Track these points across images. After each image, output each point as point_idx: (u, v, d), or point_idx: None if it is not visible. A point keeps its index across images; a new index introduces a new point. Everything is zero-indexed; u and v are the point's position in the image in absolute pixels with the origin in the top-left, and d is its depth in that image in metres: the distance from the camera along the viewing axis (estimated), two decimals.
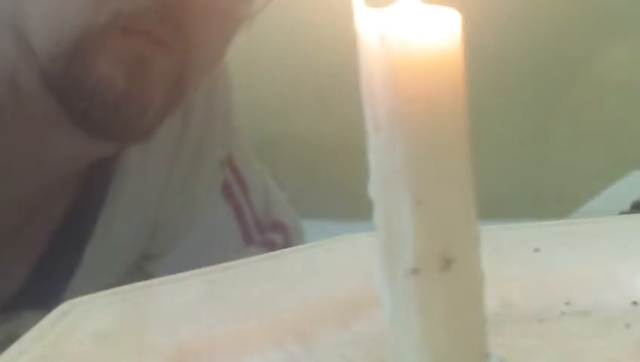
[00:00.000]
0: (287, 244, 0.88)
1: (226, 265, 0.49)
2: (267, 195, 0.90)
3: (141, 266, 0.86)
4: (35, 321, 0.76)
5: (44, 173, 0.77)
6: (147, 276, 0.63)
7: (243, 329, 0.43)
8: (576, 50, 1.89)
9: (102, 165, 0.80)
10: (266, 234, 0.88)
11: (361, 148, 0.32)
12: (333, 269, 0.48)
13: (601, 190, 1.18)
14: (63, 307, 0.45)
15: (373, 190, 0.32)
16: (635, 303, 0.44)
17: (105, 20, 0.69)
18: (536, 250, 0.48)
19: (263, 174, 0.92)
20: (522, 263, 0.47)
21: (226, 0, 0.73)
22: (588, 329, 0.42)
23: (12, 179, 0.75)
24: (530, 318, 0.43)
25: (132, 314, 0.45)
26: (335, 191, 1.99)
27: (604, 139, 1.88)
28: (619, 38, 1.86)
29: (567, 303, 0.44)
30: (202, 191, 0.86)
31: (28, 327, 0.76)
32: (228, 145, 0.87)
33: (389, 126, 0.31)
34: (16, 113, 0.74)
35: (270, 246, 0.86)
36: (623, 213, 0.88)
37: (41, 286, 0.79)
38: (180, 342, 0.42)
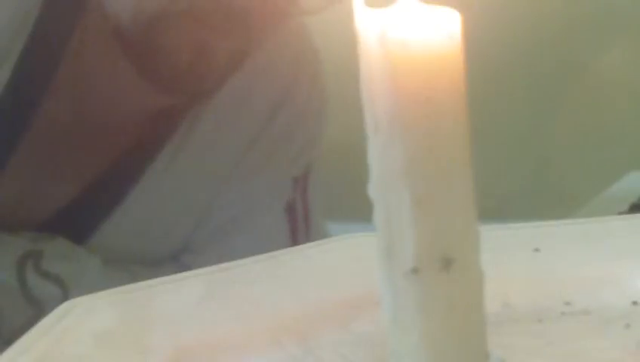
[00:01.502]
0: None
1: (226, 265, 0.49)
2: (324, 228, 0.90)
3: (179, 258, 0.85)
4: (62, 247, 0.78)
5: (119, 115, 0.80)
6: (182, 269, 0.65)
7: (243, 329, 0.43)
8: (576, 51, 1.89)
9: (171, 113, 0.82)
10: None
11: (361, 148, 0.32)
12: (333, 269, 0.48)
13: (601, 190, 1.18)
14: (64, 307, 0.45)
15: (373, 190, 0.32)
16: (635, 303, 0.44)
17: (180, 8, 0.73)
18: (536, 250, 0.48)
19: (325, 222, 0.92)
20: (522, 263, 0.47)
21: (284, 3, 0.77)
22: (588, 329, 0.42)
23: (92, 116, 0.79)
24: (530, 318, 0.43)
25: (132, 314, 0.45)
26: (335, 191, 1.99)
27: (604, 139, 1.88)
28: (619, 38, 1.85)
29: (567, 303, 0.44)
30: (266, 198, 0.86)
31: (54, 249, 0.78)
32: (307, 165, 0.87)
33: (389, 126, 0.31)
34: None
35: None
36: (621, 213, 0.87)
37: (77, 218, 0.81)
38: (180, 342, 0.42)
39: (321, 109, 0.91)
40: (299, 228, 0.86)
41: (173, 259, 0.85)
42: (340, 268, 0.48)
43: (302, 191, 0.87)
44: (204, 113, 0.83)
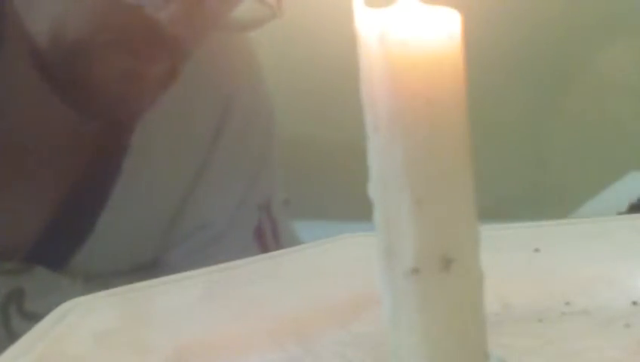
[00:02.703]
0: None
1: (225, 265, 0.49)
2: (296, 238, 0.90)
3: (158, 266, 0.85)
4: (42, 280, 0.77)
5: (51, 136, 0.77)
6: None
7: (243, 329, 0.43)
8: (576, 51, 1.89)
9: (119, 133, 0.80)
10: None
11: (361, 148, 0.32)
12: (333, 269, 0.48)
13: (601, 190, 1.18)
14: (64, 307, 0.45)
15: (373, 190, 0.32)
16: (635, 303, 0.44)
17: (107, 39, 0.69)
18: (536, 250, 0.48)
19: (292, 224, 0.92)
20: (522, 263, 0.47)
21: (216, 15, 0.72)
22: (588, 329, 0.42)
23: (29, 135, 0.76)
24: (530, 318, 0.43)
25: (132, 314, 0.45)
26: (335, 191, 1.99)
27: (604, 139, 1.88)
28: (619, 38, 1.85)
29: (567, 303, 0.44)
30: (232, 228, 0.85)
31: (35, 284, 0.77)
32: (269, 191, 0.86)
33: (389, 126, 0.31)
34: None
35: None
36: (621, 213, 0.88)
37: (52, 246, 0.79)
38: (180, 342, 0.42)
39: (269, 126, 0.88)
40: (271, 248, 0.86)
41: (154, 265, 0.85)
42: (340, 268, 0.48)
43: (268, 215, 0.87)
44: (148, 139, 0.81)
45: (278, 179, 0.90)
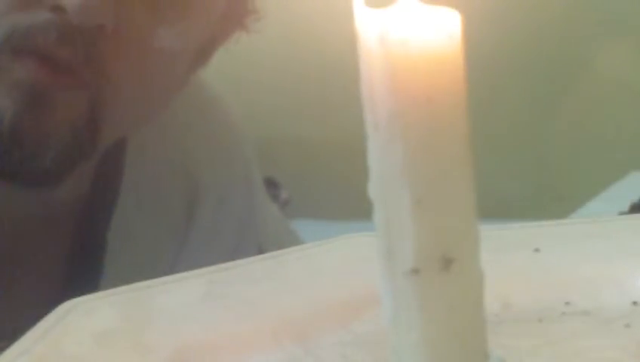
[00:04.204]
0: None
1: (226, 265, 0.49)
2: None
3: None
4: None
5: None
6: None
7: (243, 329, 0.43)
8: (576, 50, 1.89)
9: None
10: None
11: (361, 148, 0.32)
12: (333, 269, 0.48)
13: (601, 190, 1.18)
14: (64, 307, 0.45)
15: (373, 190, 0.32)
16: (635, 303, 0.44)
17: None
18: (536, 250, 0.48)
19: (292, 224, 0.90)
20: (522, 263, 0.47)
21: (144, 28, 0.65)
22: (588, 329, 0.42)
23: None
24: (530, 318, 0.43)
25: (132, 314, 0.45)
26: (335, 191, 1.99)
27: (604, 139, 1.88)
28: (619, 38, 1.85)
29: (567, 303, 0.44)
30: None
31: None
32: (254, 247, 0.82)
33: (389, 126, 0.31)
34: None
35: None
36: (622, 213, 0.88)
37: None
38: (180, 342, 0.42)
39: (248, 193, 0.82)
40: None
41: None
42: (340, 268, 0.48)
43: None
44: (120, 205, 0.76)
45: (272, 222, 0.86)
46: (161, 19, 0.65)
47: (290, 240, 0.87)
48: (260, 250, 0.82)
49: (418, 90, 0.30)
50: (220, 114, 0.83)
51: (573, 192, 1.47)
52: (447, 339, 0.32)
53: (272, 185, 1.19)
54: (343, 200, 1.69)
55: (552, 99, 1.91)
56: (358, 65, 0.31)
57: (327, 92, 1.93)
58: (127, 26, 0.63)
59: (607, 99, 1.87)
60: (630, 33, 1.86)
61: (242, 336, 0.42)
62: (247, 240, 0.82)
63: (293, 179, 1.83)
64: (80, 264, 0.74)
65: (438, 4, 0.31)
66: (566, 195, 1.74)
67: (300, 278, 0.48)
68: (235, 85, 0.89)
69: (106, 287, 0.75)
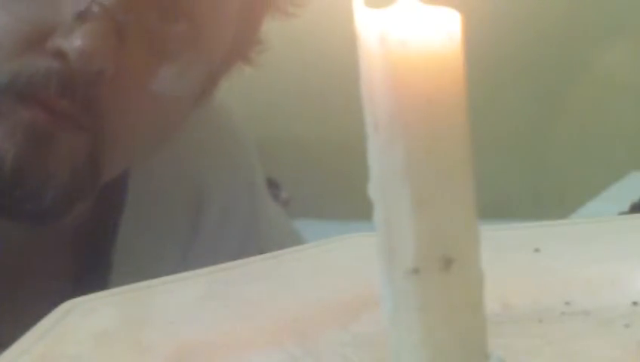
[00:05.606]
0: None
1: (226, 265, 0.49)
2: None
3: None
4: None
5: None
6: None
7: (243, 329, 0.43)
8: (576, 50, 1.89)
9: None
10: None
11: (361, 148, 0.32)
12: (333, 269, 0.48)
13: (601, 191, 1.18)
14: (64, 307, 0.45)
15: (373, 190, 0.32)
16: (635, 303, 0.44)
17: None
18: (537, 250, 0.48)
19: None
20: (522, 263, 0.47)
21: (145, 71, 0.65)
22: (588, 329, 0.42)
23: None
24: (530, 318, 0.43)
25: (132, 314, 0.45)
26: (335, 191, 1.99)
27: (604, 139, 1.88)
28: (619, 38, 1.86)
29: (567, 303, 0.44)
30: None
31: None
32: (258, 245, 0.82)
33: (389, 126, 0.31)
34: None
35: None
36: (622, 213, 0.88)
37: None
38: (180, 342, 0.42)
39: (252, 199, 0.82)
40: None
41: None
42: (340, 268, 0.48)
43: None
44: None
45: (275, 227, 0.85)
46: (163, 60, 0.66)
47: (293, 243, 0.87)
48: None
49: (418, 90, 0.30)
50: (223, 121, 0.83)
51: (573, 192, 1.47)
52: (447, 339, 0.32)
53: (272, 185, 1.18)
54: (343, 200, 1.69)
55: (552, 100, 1.91)
56: (358, 65, 0.31)
57: (327, 92, 1.93)
58: (128, 69, 0.64)
59: (607, 99, 1.87)
60: (630, 33, 1.86)
61: (242, 336, 0.42)
62: (251, 249, 0.81)
63: (293, 179, 1.83)
64: (85, 282, 0.74)
65: (438, 4, 0.31)
66: (566, 195, 1.74)
67: (300, 278, 0.48)
68: (234, 85, 0.89)
69: None
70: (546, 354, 0.40)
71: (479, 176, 0.33)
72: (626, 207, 0.92)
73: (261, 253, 0.80)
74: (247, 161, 0.85)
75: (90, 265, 0.75)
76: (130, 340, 0.42)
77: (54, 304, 0.73)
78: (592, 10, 1.87)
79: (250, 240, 0.82)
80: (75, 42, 0.61)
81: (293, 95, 1.99)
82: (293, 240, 0.87)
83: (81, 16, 0.61)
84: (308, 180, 2.01)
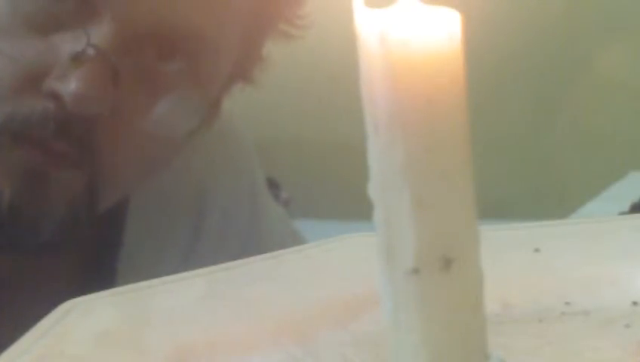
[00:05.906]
0: None
1: (226, 265, 0.49)
2: None
3: None
4: None
5: None
6: None
7: (243, 329, 0.43)
8: (576, 50, 1.89)
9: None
10: None
11: (361, 148, 0.32)
12: (333, 269, 0.48)
13: (601, 191, 1.18)
14: (64, 307, 0.45)
15: (373, 190, 0.32)
16: (635, 303, 0.44)
17: None
18: (537, 250, 0.48)
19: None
20: (522, 263, 0.47)
21: (138, 113, 0.65)
22: (588, 329, 0.42)
23: None
24: (530, 318, 0.43)
25: (132, 314, 0.45)
26: (335, 191, 1.99)
27: (604, 139, 1.88)
28: (619, 38, 1.86)
29: (567, 303, 0.44)
30: None
31: None
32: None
33: (389, 126, 0.31)
34: None
35: None
36: (622, 213, 0.88)
37: None
38: (179, 342, 0.42)
39: (252, 204, 0.82)
40: None
41: None
42: (340, 268, 0.48)
43: None
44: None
45: (276, 229, 0.85)
46: (160, 98, 0.65)
47: (294, 243, 0.87)
48: None
49: (418, 90, 0.30)
50: (224, 124, 0.83)
51: (573, 192, 1.47)
52: (447, 339, 0.32)
53: (272, 185, 1.18)
54: (343, 200, 1.69)
55: (552, 100, 1.91)
56: (358, 66, 0.31)
57: (327, 92, 1.93)
58: (124, 109, 0.64)
59: (607, 99, 1.87)
60: (630, 33, 1.86)
61: (242, 336, 0.42)
62: (252, 252, 0.81)
63: (293, 179, 1.83)
64: (91, 292, 0.74)
65: (438, 4, 0.31)
66: (566, 195, 1.74)
67: (300, 278, 0.48)
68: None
69: None
70: (546, 354, 0.40)
71: (479, 176, 0.33)
72: (626, 207, 0.92)
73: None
74: (248, 164, 0.85)
75: (95, 274, 0.75)
76: (130, 340, 0.42)
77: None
78: (592, 10, 1.87)
79: (251, 243, 0.82)
80: (70, 86, 0.61)
81: (292, 95, 1.99)
82: (294, 240, 0.87)
83: (77, 58, 0.61)
84: (308, 180, 2.01)
